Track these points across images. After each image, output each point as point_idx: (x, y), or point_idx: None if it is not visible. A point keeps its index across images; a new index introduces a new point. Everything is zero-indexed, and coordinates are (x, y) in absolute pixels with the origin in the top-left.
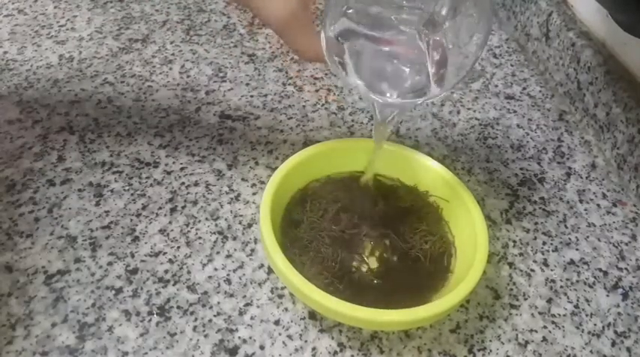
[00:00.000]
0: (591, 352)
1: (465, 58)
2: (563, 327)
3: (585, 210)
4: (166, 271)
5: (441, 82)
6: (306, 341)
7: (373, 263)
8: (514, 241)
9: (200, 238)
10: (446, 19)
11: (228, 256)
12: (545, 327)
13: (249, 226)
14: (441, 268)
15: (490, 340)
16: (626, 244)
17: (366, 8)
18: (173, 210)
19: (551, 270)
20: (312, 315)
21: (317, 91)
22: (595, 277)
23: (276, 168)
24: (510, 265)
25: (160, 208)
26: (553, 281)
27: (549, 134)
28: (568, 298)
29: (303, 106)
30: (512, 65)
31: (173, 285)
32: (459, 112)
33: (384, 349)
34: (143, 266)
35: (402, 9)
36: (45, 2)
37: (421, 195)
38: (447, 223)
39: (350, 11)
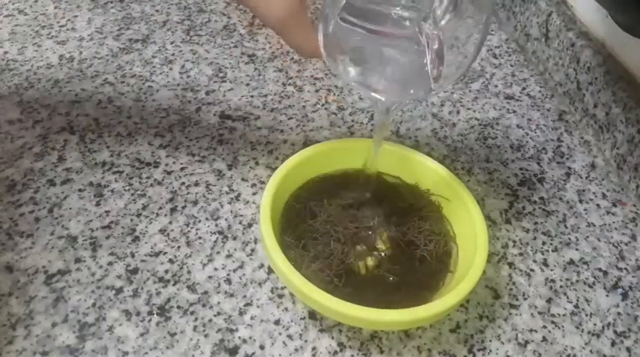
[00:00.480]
0: (591, 352)
1: (464, 57)
2: (562, 327)
3: (585, 210)
4: (166, 271)
5: (438, 79)
6: (306, 341)
7: (374, 262)
8: (514, 241)
9: (200, 238)
10: (445, 13)
11: (229, 256)
12: (545, 327)
13: (249, 226)
14: (441, 267)
15: (490, 340)
16: (626, 244)
17: (365, 3)
18: (173, 210)
19: (551, 270)
20: (312, 315)
21: (317, 91)
22: (595, 277)
23: (276, 168)
24: (510, 265)
25: (161, 208)
26: (553, 281)
27: (549, 134)
28: (568, 298)
29: (303, 106)
30: (511, 65)
31: (173, 285)
32: (458, 112)
33: (384, 348)
34: (143, 266)
35: (401, 5)
36: (45, 2)
37: (422, 193)
38: (449, 222)
39: (349, 6)
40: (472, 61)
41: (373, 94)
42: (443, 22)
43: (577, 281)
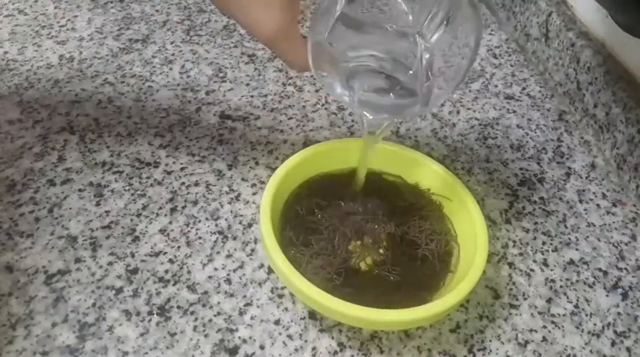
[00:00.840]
0: (591, 352)
1: (460, 59)
2: (562, 327)
3: (585, 210)
4: (166, 271)
5: (426, 99)
6: (306, 341)
7: (374, 259)
8: (514, 241)
9: (200, 238)
10: (438, 28)
11: (229, 256)
12: (545, 327)
13: (249, 226)
14: (442, 267)
15: (490, 340)
16: (626, 244)
17: (360, 14)
18: (173, 210)
19: (551, 270)
20: (312, 315)
21: (317, 91)
22: (595, 277)
23: (276, 168)
24: (510, 265)
25: (161, 208)
26: (553, 281)
27: (549, 134)
28: (568, 298)
29: (303, 106)
30: (511, 65)
31: (173, 285)
32: (458, 112)
33: (384, 348)
34: (143, 266)
35: (396, 19)
36: (45, 2)
37: (423, 193)
38: (450, 221)
39: (344, 16)
40: (465, 74)
41: (360, 109)
42: (435, 36)
43: (577, 281)
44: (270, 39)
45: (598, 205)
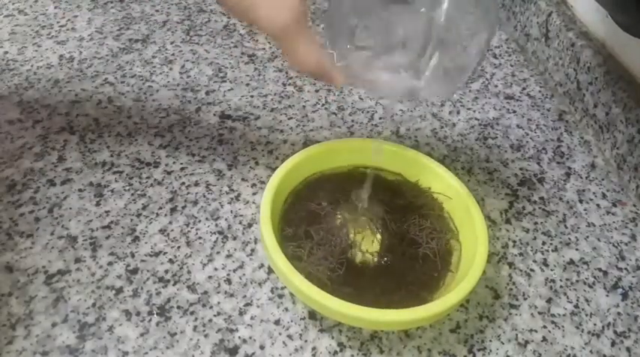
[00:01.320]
0: (591, 352)
1: (468, 51)
2: (562, 327)
3: (585, 210)
4: (166, 271)
5: (436, 80)
6: (306, 341)
7: (374, 258)
8: (514, 241)
9: (200, 238)
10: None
11: (229, 256)
12: (545, 327)
13: (249, 226)
14: (442, 266)
15: (490, 340)
16: (626, 244)
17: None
18: (173, 210)
19: (551, 270)
20: (312, 315)
21: (317, 91)
22: (595, 277)
23: (276, 168)
24: (510, 264)
25: (161, 208)
26: (553, 281)
27: (549, 134)
28: (568, 298)
29: (303, 106)
30: (511, 65)
31: (173, 285)
32: (458, 112)
33: (384, 348)
34: (143, 266)
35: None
36: (45, 2)
37: (424, 191)
38: (451, 220)
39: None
40: (477, 64)
41: (376, 88)
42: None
43: (577, 281)
44: (281, 33)
45: (598, 205)
